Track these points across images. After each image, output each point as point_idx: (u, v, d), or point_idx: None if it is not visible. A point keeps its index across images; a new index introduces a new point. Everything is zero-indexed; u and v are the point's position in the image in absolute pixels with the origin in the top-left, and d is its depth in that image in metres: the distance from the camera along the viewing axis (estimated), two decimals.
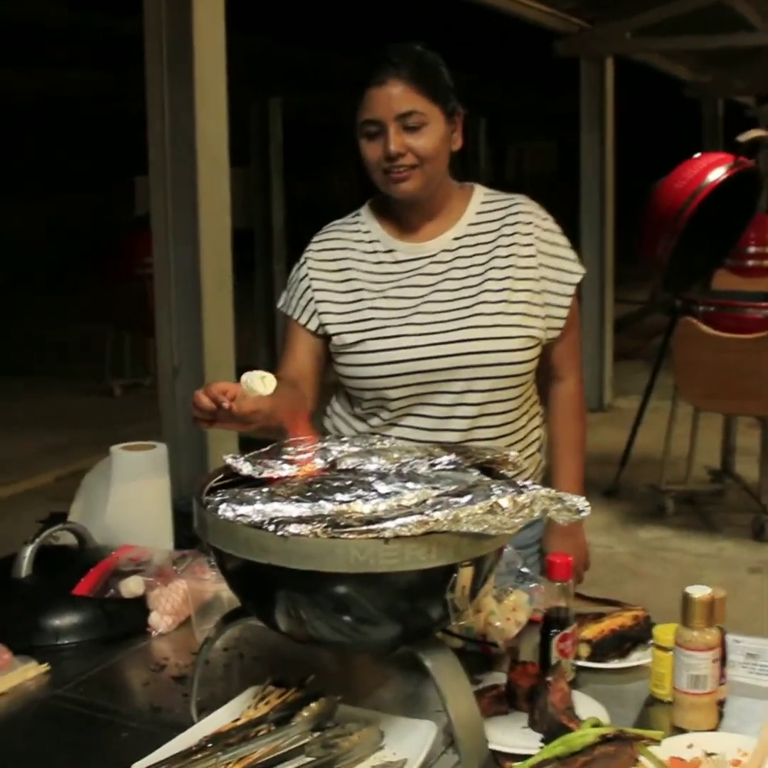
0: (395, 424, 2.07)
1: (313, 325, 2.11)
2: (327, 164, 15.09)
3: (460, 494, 1.40)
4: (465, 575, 1.39)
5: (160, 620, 1.92)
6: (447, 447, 1.67)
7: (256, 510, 1.42)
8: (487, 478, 1.52)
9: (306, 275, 2.13)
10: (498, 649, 1.77)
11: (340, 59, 7.58)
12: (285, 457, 1.64)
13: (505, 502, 1.37)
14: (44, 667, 1.79)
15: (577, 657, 1.73)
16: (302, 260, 2.16)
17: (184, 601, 1.91)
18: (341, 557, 1.34)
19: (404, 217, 2.11)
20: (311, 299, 2.11)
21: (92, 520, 2.22)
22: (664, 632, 1.61)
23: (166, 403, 3.68)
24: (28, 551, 1.98)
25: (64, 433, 7.59)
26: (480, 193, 2.16)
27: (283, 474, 1.60)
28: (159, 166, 3.56)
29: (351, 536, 1.34)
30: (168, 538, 2.20)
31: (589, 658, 1.75)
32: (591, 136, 7.95)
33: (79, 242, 12.39)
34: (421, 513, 1.35)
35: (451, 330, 2.02)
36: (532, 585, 1.92)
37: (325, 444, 1.68)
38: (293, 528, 1.35)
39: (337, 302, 2.10)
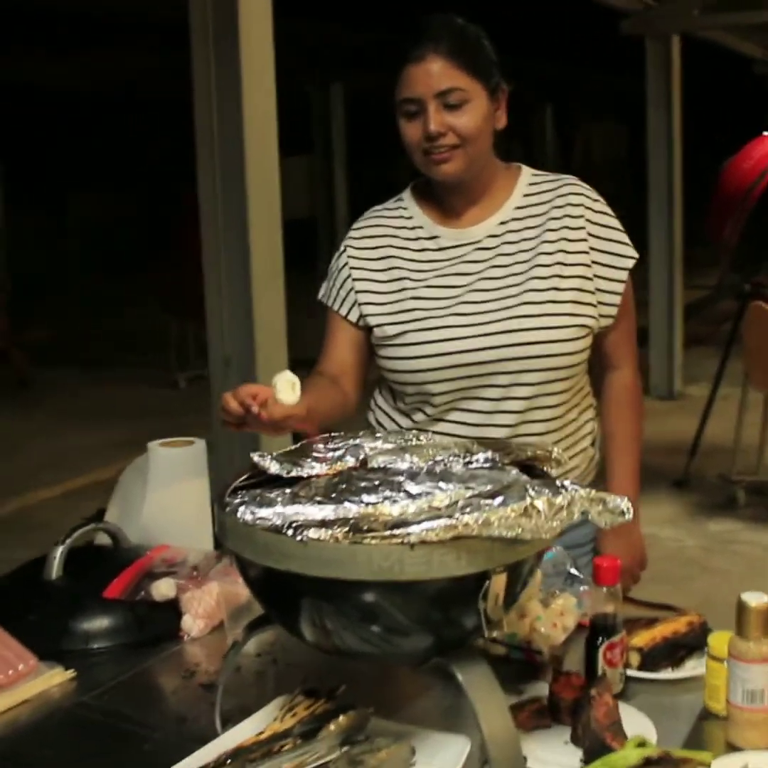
0: (440, 420, 1.98)
1: (353, 317, 2.03)
2: (395, 150, 15.00)
3: (493, 495, 1.30)
4: (498, 583, 1.29)
5: (192, 624, 1.85)
6: (487, 443, 1.58)
7: (276, 513, 1.34)
8: (525, 477, 1.42)
9: (346, 264, 2.05)
10: (543, 657, 1.67)
11: None
12: (315, 454, 1.56)
13: (540, 503, 1.27)
14: (70, 674, 1.73)
15: (627, 666, 1.63)
16: (342, 248, 2.07)
17: (217, 604, 1.84)
18: (364, 564, 1.25)
19: (447, 201, 2.01)
20: (351, 289, 2.03)
21: (129, 518, 2.16)
22: (719, 641, 1.50)
23: (218, 395, 3.62)
24: (58, 552, 1.92)
25: (130, 425, 7.60)
26: (527, 174, 2.05)
27: (312, 473, 1.52)
28: (207, 157, 3.50)
29: (374, 541, 1.25)
30: (207, 537, 2.13)
31: (640, 668, 1.64)
32: (658, 116, 7.76)
33: (153, 231, 12.43)
34: (450, 516, 1.26)
35: (497, 320, 1.92)
36: (583, 588, 1.82)
37: (358, 440, 1.59)
38: (313, 532, 1.27)
39: (378, 292, 2.01)
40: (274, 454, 1.57)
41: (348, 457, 1.55)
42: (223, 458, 3.63)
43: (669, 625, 1.70)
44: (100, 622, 1.83)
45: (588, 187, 2.04)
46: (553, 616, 1.73)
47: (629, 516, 1.32)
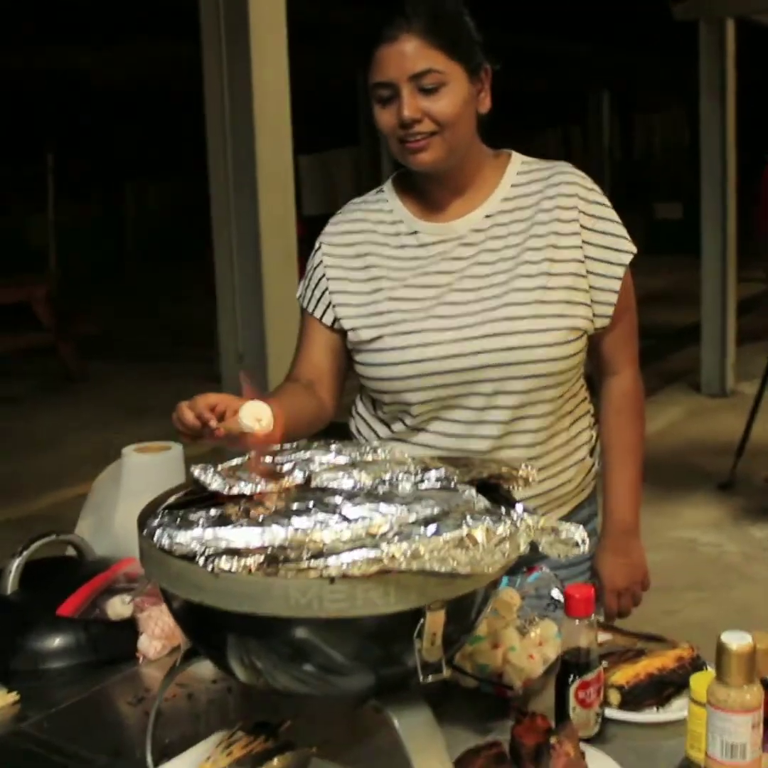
0: (420, 430, 1.84)
1: (328, 319, 1.89)
2: None
3: (427, 521, 1.16)
4: (434, 621, 1.15)
5: (148, 645, 1.73)
6: (453, 460, 1.43)
7: (194, 537, 1.21)
8: (474, 501, 1.27)
9: (320, 263, 1.90)
10: (514, 693, 1.52)
11: None
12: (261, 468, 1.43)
13: (479, 533, 1.13)
14: (13, 696, 1.63)
15: (606, 704, 1.48)
16: (317, 245, 1.92)
17: (175, 624, 1.72)
18: (280, 599, 1.13)
19: (429, 193, 1.86)
20: (326, 290, 1.89)
21: (101, 528, 2.06)
22: (701, 682, 1.34)
23: (230, 391, 3.50)
24: (14, 566, 1.81)
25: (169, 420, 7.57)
26: (516, 161, 1.89)
27: (256, 489, 1.39)
28: (218, 149, 3.37)
29: (290, 574, 1.12)
30: None
31: (621, 707, 1.49)
32: (711, 103, 7.49)
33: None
34: (376, 546, 1.12)
35: (479, 323, 1.77)
36: None
37: (309, 453, 1.46)
38: (224, 562, 1.14)
39: (353, 293, 1.86)
40: (219, 467, 1.44)
41: (296, 472, 1.42)
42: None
43: (656, 659, 1.54)
44: (51, 641, 1.72)
45: (582, 174, 1.88)
46: (530, 647, 1.58)
47: (584, 548, 1.18)
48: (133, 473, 2.04)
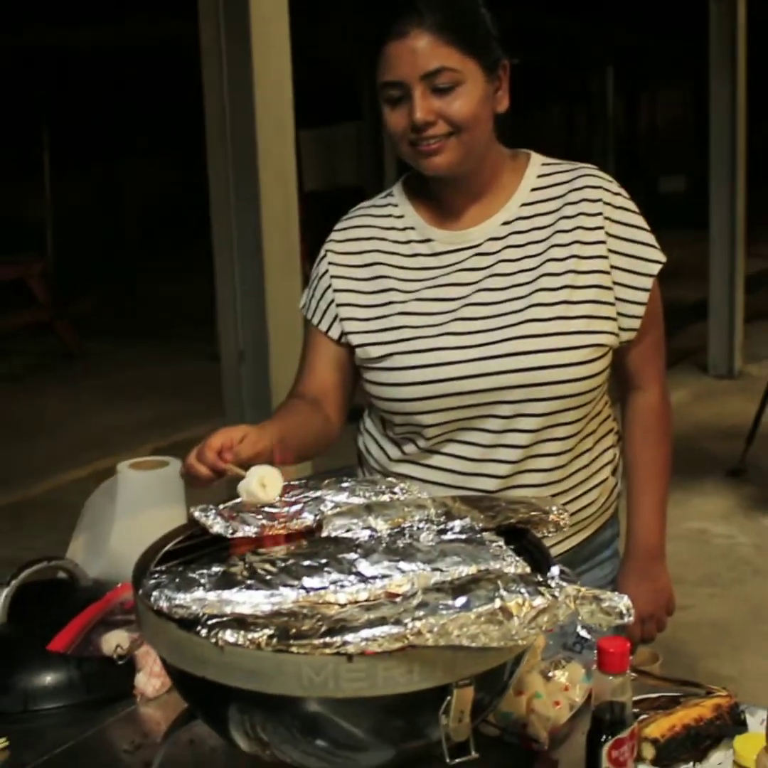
0: (434, 452, 1.72)
1: (335, 333, 1.76)
2: None
3: (455, 591, 1.05)
4: (462, 698, 1.05)
5: (146, 683, 1.62)
6: (472, 500, 1.32)
7: (196, 599, 1.10)
8: (508, 559, 1.16)
9: (326, 272, 1.78)
10: (540, 746, 1.42)
11: None
12: (267, 509, 1.32)
13: (514, 606, 1.01)
14: (1, 742, 1.52)
15: (640, 759, 1.37)
16: (322, 253, 1.80)
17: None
18: (291, 677, 1.01)
19: (442, 197, 1.73)
20: (332, 302, 1.76)
21: (95, 548, 1.95)
22: (747, 746, 1.23)
23: (231, 392, 3.39)
24: (2, 596, 1.70)
25: (169, 402, 7.47)
26: (536, 163, 1.76)
27: (261, 532, 1.29)
28: (217, 131, 3.23)
29: (303, 651, 1.01)
30: None
31: (656, 762, 1.38)
32: (721, 81, 7.34)
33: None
34: (398, 621, 1.00)
35: (497, 341, 1.64)
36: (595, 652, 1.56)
37: (319, 492, 1.35)
38: (230, 634, 1.03)
39: (362, 306, 1.74)
40: (220, 507, 1.34)
41: (305, 514, 1.31)
42: None
43: (692, 709, 1.43)
44: (42, 680, 1.61)
45: (608, 177, 1.75)
46: (555, 692, 1.47)
47: (629, 618, 1.07)
48: (128, 491, 1.93)
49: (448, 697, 1.04)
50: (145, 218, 14.94)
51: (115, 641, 1.64)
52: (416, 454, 1.73)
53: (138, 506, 1.92)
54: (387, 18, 1.62)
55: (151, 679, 1.62)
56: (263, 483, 1.42)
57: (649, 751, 1.39)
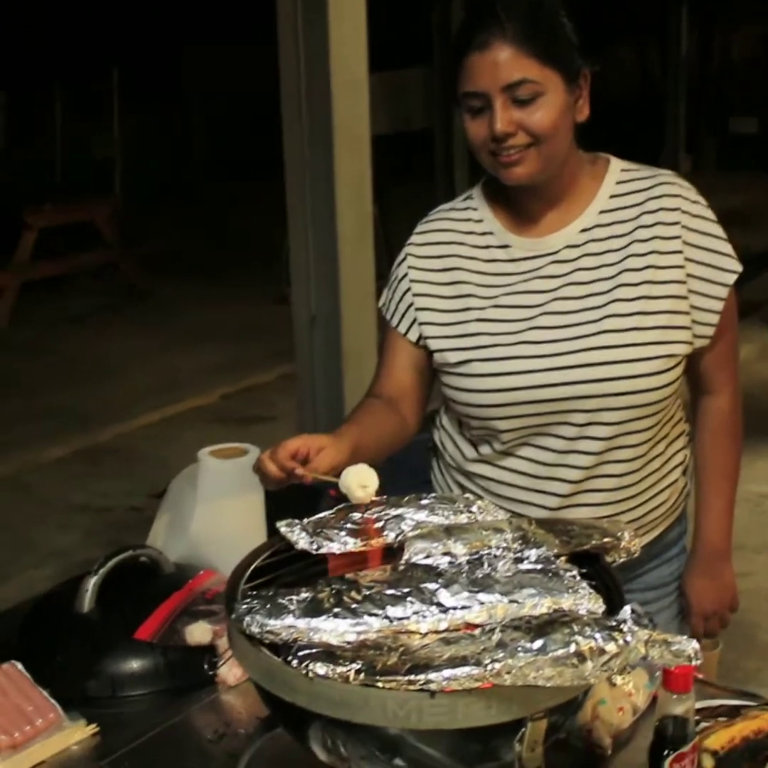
0: (509, 455, 1.77)
1: (413, 336, 1.81)
2: None
3: (532, 631, 1.10)
4: (537, 730, 1.11)
5: (228, 672, 1.71)
6: (548, 523, 1.37)
7: (286, 626, 1.17)
8: (580, 589, 1.21)
9: (406, 275, 1.82)
10: (605, 751, 1.48)
11: None
12: (350, 525, 1.38)
13: (588, 651, 1.07)
14: (91, 729, 1.61)
15: None
16: (402, 256, 1.83)
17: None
18: (377, 709, 1.08)
19: (521, 203, 1.76)
20: (411, 305, 1.80)
21: (177, 530, 2.02)
22: None
23: (303, 356, 3.45)
24: (91, 584, 1.78)
25: (234, 346, 7.51)
26: (615, 169, 1.77)
27: (345, 548, 1.35)
28: (293, 91, 3.24)
29: (389, 686, 1.07)
30: None
31: None
32: None
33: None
34: (479, 663, 1.06)
35: (573, 351, 1.68)
36: None
37: (400, 510, 1.41)
38: (320, 668, 1.10)
39: (440, 311, 1.78)
40: (305, 522, 1.40)
41: (387, 532, 1.37)
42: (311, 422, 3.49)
43: (751, 721, 1.48)
44: (129, 666, 1.70)
45: (687, 184, 1.77)
46: (620, 698, 1.53)
47: (696, 661, 1.11)
48: (209, 479, 1.99)
49: (523, 729, 1.09)
50: (213, 152, 14.88)
51: (198, 633, 1.72)
52: (491, 456, 1.78)
53: (218, 494, 1.98)
54: (469, 28, 1.64)
55: (232, 669, 1.70)
56: (363, 483, 1.46)
57: (708, 762, 1.44)
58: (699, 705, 1.52)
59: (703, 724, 1.49)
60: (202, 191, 13.46)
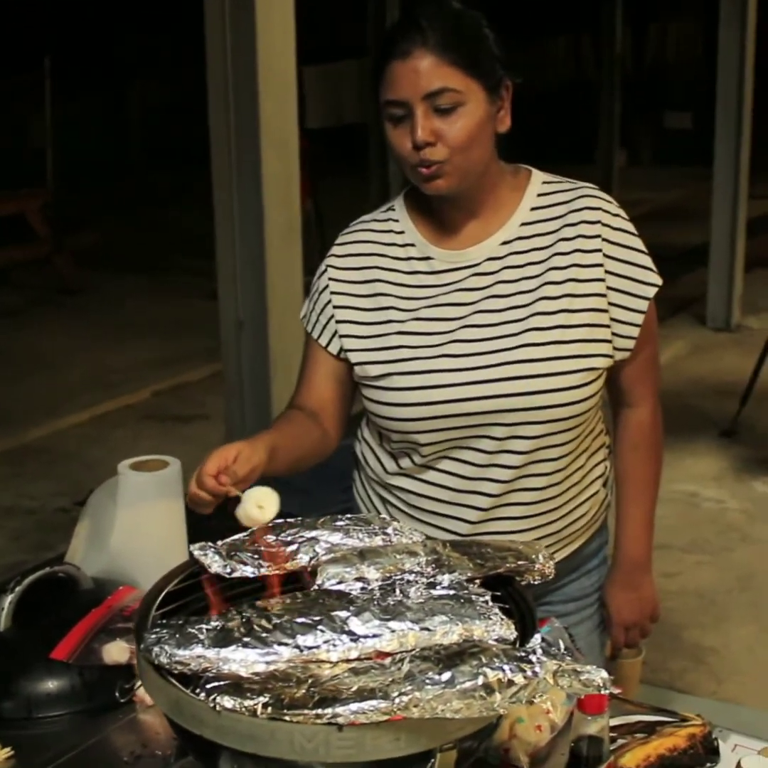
0: (429, 468, 1.76)
1: (334, 349, 1.80)
2: None
3: (441, 663, 1.10)
4: (447, 759, 1.10)
5: (145, 692, 1.68)
6: (462, 546, 1.37)
7: (195, 656, 1.15)
8: (492, 615, 1.21)
9: (326, 287, 1.80)
10: None
11: None
12: (264, 548, 1.37)
13: (496, 682, 1.06)
14: (6, 752, 1.58)
15: None
16: (323, 267, 1.82)
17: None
18: (284, 743, 1.07)
19: (442, 215, 1.75)
20: (331, 318, 1.79)
21: (96, 547, 1.99)
22: None
23: (230, 361, 3.42)
24: (7, 603, 1.75)
25: (172, 341, 7.45)
26: (536, 182, 1.78)
27: (258, 572, 1.34)
28: (219, 86, 3.20)
29: (296, 719, 1.06)
30: None
31: None
32: (730, 16, 7.22)
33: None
34: (386, 696, 1.06)
35: (493, 365, 1.68)
36: None
37: (314, 532, 1.39)
38: (227, 700, 1.08)
39: (361, 323, 1.77)
40: (218, 544, 1.38)
41: (301, 555, 1.36)
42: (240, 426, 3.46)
43: (667, 739, 1.49)
44: (46, 686, 1.67)
45: (608, 198, 1.77)
46: (538, 716, 1.53)
47: (606, 691, 1.12)
48: (129, 492, 1.96)
49: (432, 760, 1.09)
50: (149, 142, 14.72)
51: (115, 652, 1.70)
52: (412, 469, 1.78)
53: (138, 507, 1.96)
54: (392, 37, 1.63)
55: None
56: (260, 505, 1.48)
57: None
58: (615, 721, 1.54)
59: (619, 741, 1.50)
60: (139, 182, 13.32)
